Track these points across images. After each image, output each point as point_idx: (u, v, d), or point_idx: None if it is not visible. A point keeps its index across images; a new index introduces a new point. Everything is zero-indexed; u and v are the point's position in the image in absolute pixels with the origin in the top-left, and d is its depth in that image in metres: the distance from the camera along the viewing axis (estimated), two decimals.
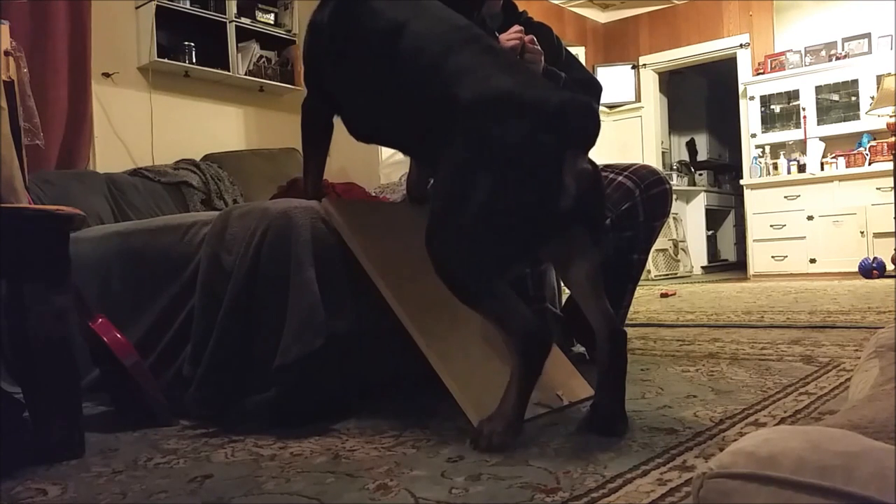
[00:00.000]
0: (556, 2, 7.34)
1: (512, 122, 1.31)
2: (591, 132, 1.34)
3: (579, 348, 2.39)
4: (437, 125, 1.43)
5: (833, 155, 6.56)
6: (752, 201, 6.88)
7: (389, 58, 1.52)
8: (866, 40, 6.51)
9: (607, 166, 2.23)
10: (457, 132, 1.37)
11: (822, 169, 6.56)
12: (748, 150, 7.10)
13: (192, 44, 4.03)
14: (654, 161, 7.46)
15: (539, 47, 1.93)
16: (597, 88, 2.31)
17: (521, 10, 2.32)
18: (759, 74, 7.03)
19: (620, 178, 2.15)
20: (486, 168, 1.31)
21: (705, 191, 8.38)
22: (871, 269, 5.79)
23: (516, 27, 1.90)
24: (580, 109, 1.32)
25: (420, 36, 1.51)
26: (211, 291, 1.70)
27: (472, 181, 1.32)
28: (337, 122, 1.85)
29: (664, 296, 5.05)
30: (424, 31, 1.52)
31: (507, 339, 1.35)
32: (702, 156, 9.20)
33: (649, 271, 7.09)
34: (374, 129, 1.76)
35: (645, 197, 2.11)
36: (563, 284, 1.83)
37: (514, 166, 1.30)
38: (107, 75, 3.75)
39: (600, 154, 2.18)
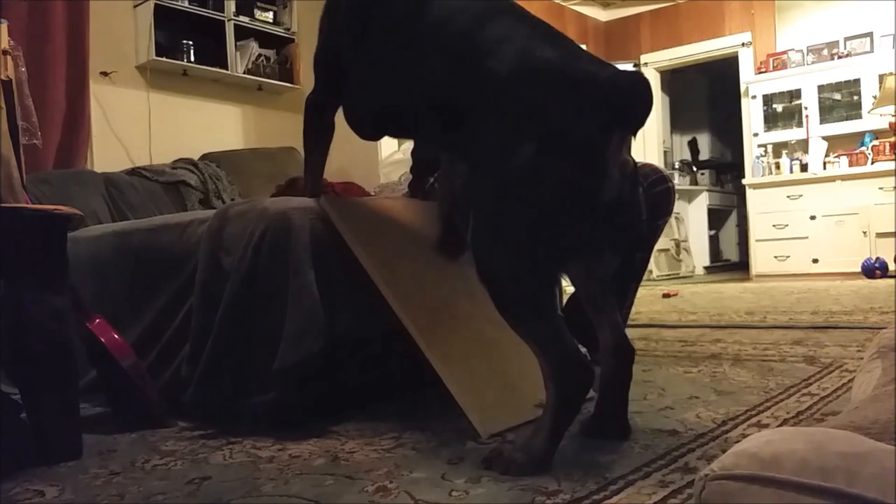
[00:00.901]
0: (558, 0, 7.33)
1: (557, 95, 1.17)
2: (642, 110, 1.19)
3: (581, 349, 2.38)
4: (469, 103, 1.27)
5: (835, 154, 6.54)
6: (755, 201, 6.87)
7: (415, 32, 1.39)
8: (868, 39, 6.50)
9: None
10: (493, 110, 1.22)
11: (825, 168, 6.55)
12: (750, 150, 7.09)
13: (191, 42, 4.02)
14: (655, 160, 7.45)
15: None
16: None
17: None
18: (761, 73, 7.02)
19: None
20: (528, 147, 1.16)
21: (707, 190, 8.37)
22: (874, 269, 5.77)
23: None
24: (632, 85, 1.19)
25: (448, 6, 1.36)
26: (209, 291, 1.69)
27: (516, 163, 1.17)
28: (336, 121, 1.84)
29: (666, 296, 5.04)
30: (451, 5, 1.37)
31: (545, 370, 1.22)
32: (704, 155, 9.19)
33: (651, 272, 7.08)
34: (388, 118, 1.60)
35: (648, 195, 2.10)
36: (561, 285, 1.76)
37: (560, 144, 1.16)
38: (105, 74, 3.74)
39: None
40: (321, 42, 1.72)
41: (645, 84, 1.19)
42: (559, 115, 1.17)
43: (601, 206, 1.19)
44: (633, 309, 2.29)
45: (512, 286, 1.22)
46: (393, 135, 1.88)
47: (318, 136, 1.80)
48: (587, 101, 1.17)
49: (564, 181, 1.16)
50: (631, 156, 1.27)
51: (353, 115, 1.65)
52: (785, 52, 6.88)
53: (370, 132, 1.71)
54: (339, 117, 1.78)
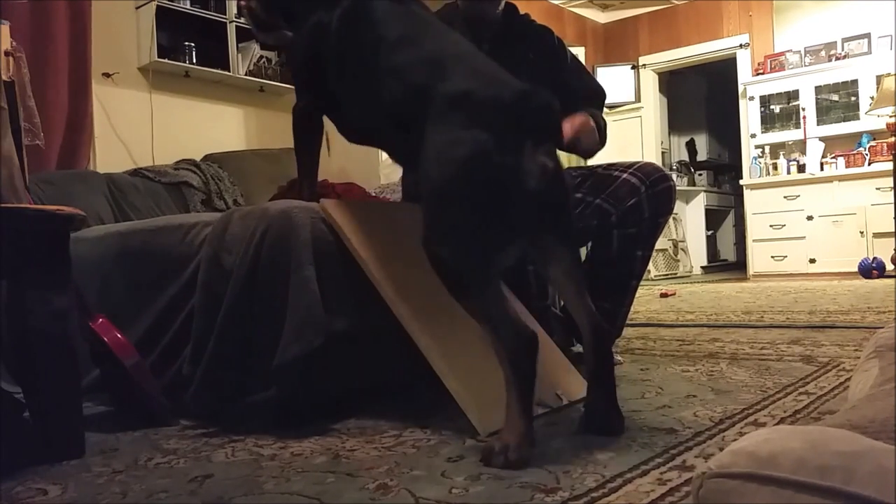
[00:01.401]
0: (556, 2, 7.34)
1: (476, 118, 1.39)
2: (546, 127, 1.41)
3: (579, 347, 2.39)
4: (415, 120, 1.49)
5: (833, 155, 6.56)
6: (752, 201, 6.89)
7: (376, 59, 1.59)
8: (866, 40, 6.51)
9: (611, 165, 2.23)
10: (429, 131, 1.44)
11: (822, 169, 6.56)
12: (748, 151, 7.10)
13: (193, 44, 4.03)
14: (653, 161, 7.45)
15: (592, 124, 2.07)
16: (601, 96, 2.33)
17: (522, 12, 2.32)
18: (758, 74, 7.03)
19: (625, 175, 2.15)
20: (455, 161, 1.38)
21: (705, 191, 8.38)
22: (871, 269, 5.79)
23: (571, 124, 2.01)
24: (536, 106, 1.39)
25: (403, 39, 1.59)
26: (211, 291, 1.70)
27: (447, 173, 1.40)
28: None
29: (664, 296, 5.05)
30: (407, 36, 1.60)
31: (496, 344, 1.33)
32: (701, 156, 9.20)
33: (649, 271, 7.09)
34: (366, 132, 1.82)
35: (650, 193, 2.12)
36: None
37: (482, 152, 1.36)
38: (107, 75, 3.74)
39: (600, 154, 2.20)
40: (300, 62, 1.84)
41: (545, 103, 1.39)
42: (476, 137, 1.37)
43: (520, 202, 1.37)
44: (632, 308, 2.31)
45: (456, 277, 1.39)
46: (372, 146, 2.03)
47: (309, 141, 1.90)
48: (499, 124, 1.37)
49: (484, 191, 1.35)
50: (553, 161, 1.42)
51: (338, 125, 1.85)
52: (782, 54, 6.90)
53: (355, 142, 1.87)
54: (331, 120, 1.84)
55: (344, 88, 1.72)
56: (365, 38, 1.62)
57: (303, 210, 1.69)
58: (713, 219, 8.61)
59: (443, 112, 1.42)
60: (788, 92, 6.84)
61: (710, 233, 8.47)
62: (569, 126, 2.02)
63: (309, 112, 1.87)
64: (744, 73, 7.18)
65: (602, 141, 2.20)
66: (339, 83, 1.73)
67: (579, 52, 7.03)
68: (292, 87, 1.98)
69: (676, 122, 8.73)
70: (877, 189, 6.11)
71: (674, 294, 5.16)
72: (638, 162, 2.23)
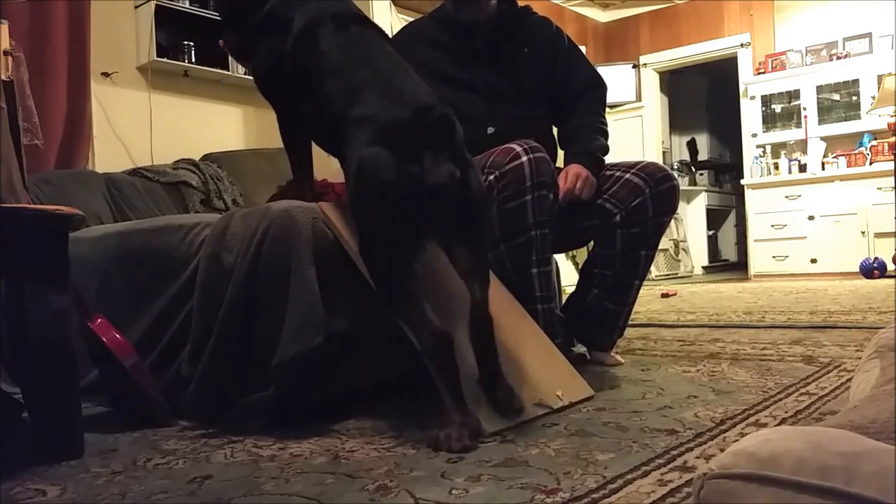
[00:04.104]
0: (557, 1, 7.34)
1: (388, 128, 1.50)
2: (443, 136, 1.50)
3: (580, 348, 2.39)
4: (336, 135, 1.63)
5: (834, 155, 6.55)
6: (753, 201, 6.88)
7: (322, 94, 1.68)
8: (867, 40, 6.51)
9: (613, 165, 2.22)
10: (350, 135, 1.56)
11: (823, 169, 6.56)
12: (749, 150, 7.10)
13: (192, 43, 4.02)
14: (654, 161, 7.46)
15: (594, 180, 2.14)
16: (602, 87, 2.32)
17: (519, 6, 2.32)
18: (759, 74, 7.03)
19: (628, 175, 2.15)
20: (361, 171, 1.49)
21: (706, 190, 8.38)
22: (873, 269, 5.78)
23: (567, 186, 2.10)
24: (432, 120, 1.49)
25: (330, 68, 1.68)
26: (210, 290, 1.70)
27: (359, 183, 1.51)
28: None
29: (665, 296, 5.05)
30: (333, 65, 1.68)
31: (420, 346, 1.44)
32: (702, 155, 9.20)
33: (651, 271, 7.08)
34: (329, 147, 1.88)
35: (654, 193, 2.11)
36: (561, 284, 1.86)
37: (382, 167, 1.46)
38: (106, 75, 3.74)
39: None
40: (268, 83, 1.87)
41: (438, 114, 1.50)
42: (381, 146, 1.48)
43: (424, 206, 1.47)
44: (633, 307, 2.30)
45: (379, 272, 1.51)
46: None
47: (299, 147, 1.94)
48: (398, 134, 1.48)
49: (390, 190, 1.46)
50: (460, 167, 1.49)
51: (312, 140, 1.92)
52: (784, 53, 6.89)
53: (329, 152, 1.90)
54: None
55: (303, 107, 1.79)
56: (309, 66, 1.70)
57: (304, 210, 1.69)
58: (714, 219, 8.61)
59: (352, 134, 1.55)
60: (789, 91, 6.84)
61: (711, 233, 8.47)
62: (562, 182, 2.08)
63: (284, 123, 1.91)
64: (745, 72, 7.18)
65: (605, 149, 2.21)
66: (298, 103, 1.79)
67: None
68: None
69: (677, 121, 8.73)
70: (878, 189, 6.10)
71: (675, 294, 5.16)
72: (641, 162, 2.23)
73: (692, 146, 9.15)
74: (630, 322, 2.38)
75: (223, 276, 1.69)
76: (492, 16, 2.22)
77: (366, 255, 1.53)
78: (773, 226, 6.70)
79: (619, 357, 2.26)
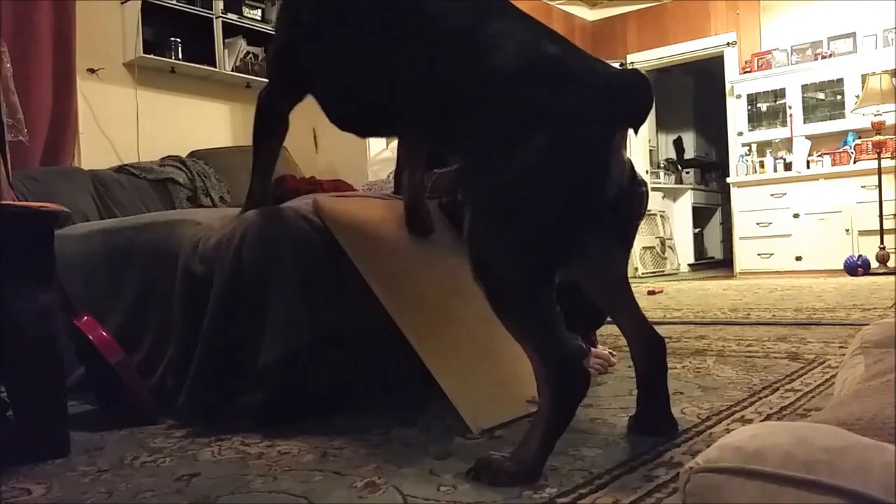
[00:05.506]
0: None
1: (562, 91, 1.16)
2: (644, 107, 1.19)
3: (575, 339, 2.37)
4: (468, 99, 1.24)
5: (819, 153, 6.60)
6: (739, 199, 6.92)
7: (405, 29, 1.34)
8: (851, 39, 6.55)
9: None
10: (496, 106, 1.19)
11: (808, 167, 6.60)
12: (735, 149, 7.13)
13: (179, 40, 4.00)
14: (641, 159, 7.49)
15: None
16: None
17: None
18: (745, 73, 7.06)
19: None
20: (533, 143, 1.14)
21: (692, 189, 8.42)
22: (857, 267, 5.83)
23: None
24: (634, 82, 1.19)
25: (443, 3, 1.32)
26: (185, 302, 1.69)
27: (521, 157, 1.15)
28: (327, 122, 1.78)
29: (651, 293, 5.07)
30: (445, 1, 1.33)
31: (541, 374, 1.17)
32: (689, 154, 9.24)
33: (636, 269, 7.12)
34: (373, 114, 1.51)
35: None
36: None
37: (565, 141, 1.14)
38: (92, 71, 3.71)
39: None
40: (279, 42, 1.66)
41: (646, 82, 1.19)
42: (564, 112, 1.15)
43: (604, 204, 1.19)
44: None
45: (510, 287, 1.17)
46: (376, 132, 1.83)
47: (270, 135, 1.71)
48: (591, 98, 1.15)
49: (569, 179, 1.15)
50: (626, 153, 1.28)
51: (335, 112, 1.56)
52: (769, 52, 6.93)
53: (353, 128, 1.61)
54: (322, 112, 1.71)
55: (346, 62, 1.46)
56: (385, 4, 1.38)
57: (281, 210, 1.67)
58: (700, 216, 8.65)
59: (520, 84, 1.17)
60: (775, 90, 6.87)
61: (697, 230, 8.51)
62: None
63: (278, 100, 1.67)
64: (731, 71, 7.21)
65: None
66: (339, 60, 1.48)
67: None
68: None
69: (664, 119, 8.76)
70: (862, 187, 6.15)
71: (661, 291, 5.18)
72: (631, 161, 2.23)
73: (678, 144, 9.19)
74: None
75: (195, 286, 1.68)
76: None
77: (499, 253, 1.17)
78: (758, 224, 6.74)
79: (607, 351, 2.23)
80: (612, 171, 1.17)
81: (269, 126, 1.70)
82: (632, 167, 1.28)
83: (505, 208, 1.17)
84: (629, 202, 1.27)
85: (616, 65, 7.46)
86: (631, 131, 1.24)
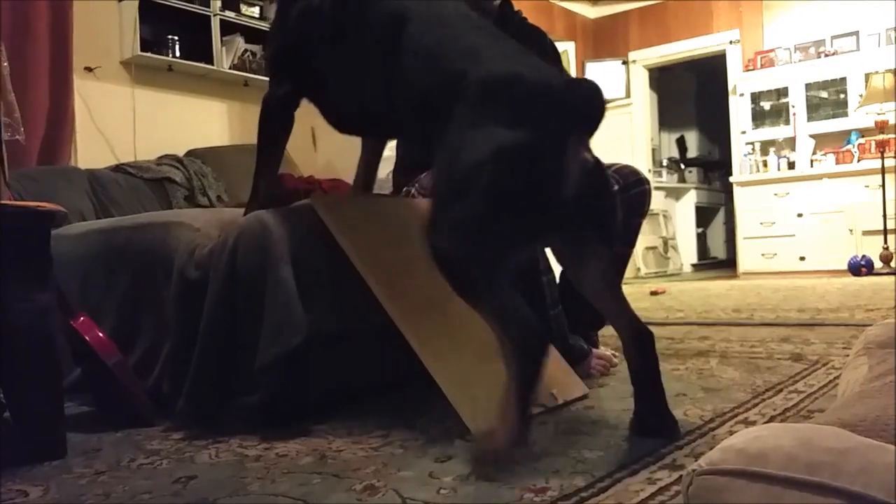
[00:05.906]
0: None
1: (517, 102, 1.29)
2: (594, 116, 1.30)
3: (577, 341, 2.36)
4: (442, 104, 1.37)
5: (822, 152, 6.58)
6: (742, 199, 6.90)
7: (393, 42, 1.49)
8: (854, 38, 6.54)
9: None
10: (462, 111, 1.32)
11: (812, 166, 6.58)
12: (738, 147, 7.12)
13: (176, 38, 3.98)
14: (643, 158, 7.48)
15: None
16: None
17: (515, 9, 2.30)
18: (748, 71, 7.05)
19: None
20: (490, 145, 1.26)
21: (695, 188, 8.40)
22: (860, 267, 5.81)
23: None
24: (585, 92, 1.30)
25: (427, 20, 1.49)
26: (181, 307, 1.68)
27: (477, 158, 1.26)
28: (324, 122, 1.82)
29: (654, 294, 5.06)
30: (432, 16, 1.50)
31: (504, 342, 1.23)
32: (691, 153, 9.22)
33: (639, 269, 7.10)
34: (362, 116, 1.69)
35: (624, 197, 2.10)
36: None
37: (519, 146, 1.25)
38: (89, 69, 3.69)
39: None
40: (283, 48, 1.74)
41: (596, 90, 1.29)
42: (521, 119, 1.27)
43: (558, 199, 1.27)
44: None
45: (464, 264, 1.28)
46: (372, 133, 1.92)
47: (276, 135, 1.78)
48: (546, 107, 1.28)
49: (523, 175, 1.25)
50: (592, 154, 1.34)
51: (327, 112, 1.72)
52: (772, 50, 6.91)
53: (344, 128, 1.75)
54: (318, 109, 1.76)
55: (340, 71, 1.61)
56: (374, 15, 1.53)
57: (273, 213, 1.66)
58: (703, 216, 8.63)
59: (480, 100, 1.30)
60: (778, 89, 6.86)
61: (700, 230, 8.49)
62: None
63: (284, 101, 1.74)
64: (734, 69, 7.19)
65: None
66: (334, 66, 1.62)
67: (569, 46, 7.03)
68: None
69: (667, 118, 8.74)
70: (865, 186, 6.13)
71: (664, 292, 5.17)
72: (615, 164, 2.22)
73: (681, 143, 9.17)
74: None
75: (190, 290, 1.67)
76: (494, 15, 2.20)
77: (448, 237, 1.28)
78: (761, 223, 6.72)
79: (608, 351, 2.21)
80: (569, 170, 1.26)
81: (275, 128, 1.77)
82: (597, 165, 1.33)
83: (457, 204, 1.27)
84: (595, 198, 1.34)
85: (619, 62, 7.46)
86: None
